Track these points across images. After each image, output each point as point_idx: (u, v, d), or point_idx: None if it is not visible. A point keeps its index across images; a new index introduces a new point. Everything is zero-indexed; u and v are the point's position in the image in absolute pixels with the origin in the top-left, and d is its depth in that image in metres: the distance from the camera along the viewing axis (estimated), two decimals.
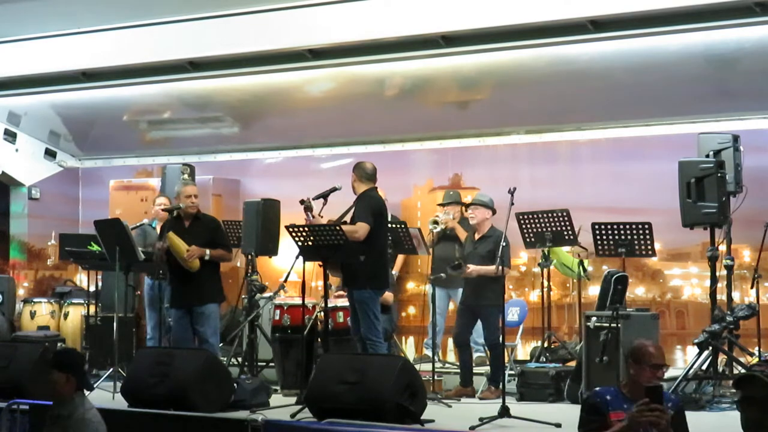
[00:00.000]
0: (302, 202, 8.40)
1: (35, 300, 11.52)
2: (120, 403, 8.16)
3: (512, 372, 9.04)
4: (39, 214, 13.34)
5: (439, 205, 10.47)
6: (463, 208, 10.09)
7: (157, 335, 10.07)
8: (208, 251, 8.76)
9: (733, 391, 7.49)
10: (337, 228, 8.10)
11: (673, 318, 10.45)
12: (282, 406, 8.08)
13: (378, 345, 8.27)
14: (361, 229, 8.24)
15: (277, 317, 9.28)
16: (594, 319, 8.32)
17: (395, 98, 11.22)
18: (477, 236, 9.10)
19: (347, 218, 8.52)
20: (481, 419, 7.17)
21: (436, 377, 8.97)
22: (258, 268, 10.03)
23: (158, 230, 9.72)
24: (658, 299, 10.49)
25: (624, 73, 9.78)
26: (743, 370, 7.94)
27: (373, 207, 8.42)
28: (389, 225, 9.12)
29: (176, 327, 8.97)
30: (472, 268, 8.82)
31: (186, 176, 10.54)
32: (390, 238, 9.08)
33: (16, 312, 11.58)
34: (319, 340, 8.89)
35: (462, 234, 9.77)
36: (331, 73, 11.01)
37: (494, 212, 9.05)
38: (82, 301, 10.93)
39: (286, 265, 8.78)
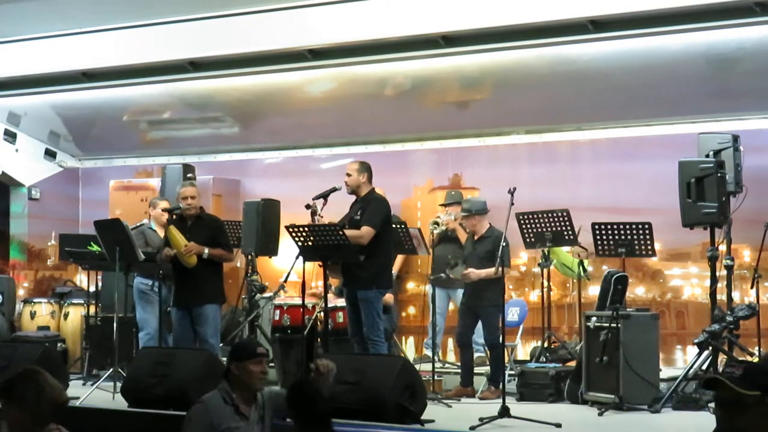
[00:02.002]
0: (308, 206, 8.38)
1: (35, 300, 11.50)
2: (120, 403, 8.16)
3: (512, 372, 9.04)
4: (39, 214, 13.34)
5: (441, 205, 10.48)
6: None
7: (154, 333, 10.00)
8: (206, 249, 8.74)
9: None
10: (338, 229, 8.09)
11: (673, 318, 10.45)
12: None
13: (380, 345, 8.27)
14: (367, 234, 8.24)
15: (277, 317, 9.28)
16: (594, 319, 8.33)
17: (395, 98, 11.21)
18: (476, 237, 9.11)
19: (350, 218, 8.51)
20: (481, 419, 7.17)
21: (436, 377, 8.97)
22: (258, 268, 10.04)
23: (158, 232, 9.71)
24: (658, 299, 10.49)
25: (624, 73, 9.78)
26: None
27: (385, 214, 8.44)
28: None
29: (177, 327, 8.96)
30: (472, 273, 8.82)
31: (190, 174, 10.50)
32: None
33: (16, 312, 11.57)
34: (319, 340, 8.89)
35: (462, 235, 9.77)
36: (332, 73, 11.02)
37: (486, 212, 9.06)
38: (82, 302, 10.92)
39: (286, 265, 8.77)
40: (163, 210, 9.64)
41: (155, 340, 9.87)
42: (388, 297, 9.28)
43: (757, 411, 2.95)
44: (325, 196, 8.46)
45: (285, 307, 9.24)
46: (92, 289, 10.60)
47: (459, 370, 9.21)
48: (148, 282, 9.72)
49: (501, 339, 8.38)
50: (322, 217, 8.46)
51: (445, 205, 10.37)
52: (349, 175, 8.52)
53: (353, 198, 8.61)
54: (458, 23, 9.71)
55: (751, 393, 2.96)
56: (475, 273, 8.81)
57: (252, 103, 11.89)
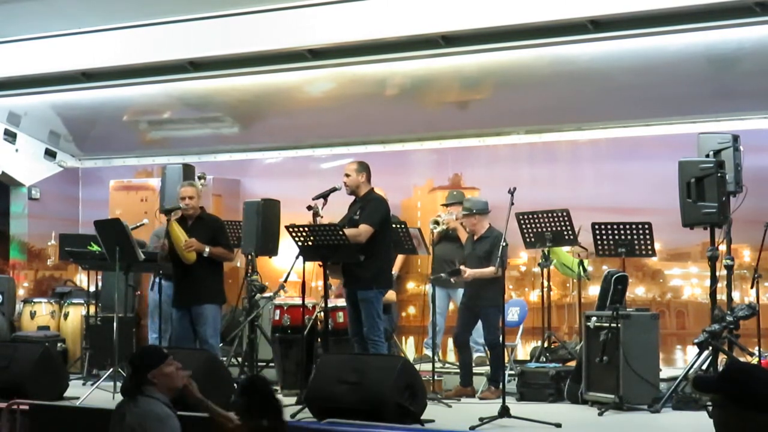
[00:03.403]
0: (310, 208, 8.38)
1: (35, 300, 11.51)
2: None
3: (512, 372, 9.04)
4: (39, 214, 13.33)
5: (442, 205, 10.49)
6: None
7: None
8: (207, 248, 8.75)
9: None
10: (338, 229, 8.09)
11: (673, 318, 10.45)
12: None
13: (380, 345, 8.28)
14: (365, 232, 8.24)
15: (277, 317, 9.28)
16: (594, 319, 8.33)
17: (395, 98, 11.21)
18: (476, 237, 9.11)
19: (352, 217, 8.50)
20: (481, 419, 7.17)
21: (436, 377, 8.97)
22: (258, 268, 10.03)
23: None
24: (658, 299, 10.49)
25: (624, 73, 9.78)
26: None
27: (384, 213, 8.46)
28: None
29: (177, 327, 8.97)
30: (469, 273, 8.82)
31: (203, 179, 10.47)
32: None
33: (16, 312, 11.57)
34: (319, 340, 8.89)
35: (463, 235, 9.76)
36: (331, 73, 11.01)
37: (487, 212, 9.06)
38: (82, 301, 10.92)
39: (286, 265, 8.78)
40: (161, 211, 9.66)
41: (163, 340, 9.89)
42: (390, 294, 9.29)
43: (718, 412, 3.01)
44: (325, 196, 8.46)
45: (285, 307, 9.24)
46: (92, 289, 10.60)
47: (459, 370, 9.21)
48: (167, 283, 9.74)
49: (501, 339, 8.38)
50: (322, 217, 8.46)
51: (446, 205, 10.37)
52: (347, 175, 8.51)
53: (353, 198, 8.61)
54: (458, 23, 9.70)
55: (714, 396, 3.03)
56: (471, 273, 8.81)
57: (252, 103, 11.89)
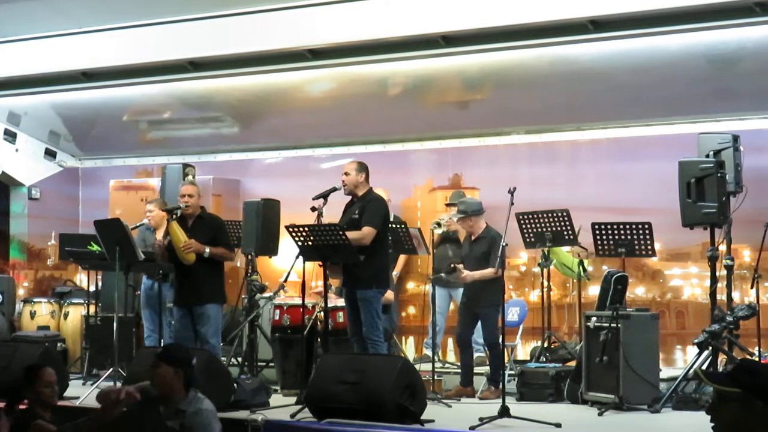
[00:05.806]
0: (314, 209, 8.37)
1: (35, 300, 11.50)
2: None
3: (512, 372, 9.04)
4: (39, 214, 13.34)
5: (446, 204, 10.49)
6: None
7: (155, 334, 10.04)
8: (207, 248, 8.74)
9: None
10: (338, 229, 8.09)
11: (673, 318, 10.45)
12: (282, 406, 8.08)
13: (379, 345, 8.28)
14: (369, 235, 8.25)
15: (277, 317, 9.28)
16: (594, 319, 8.33)
17: (395, 98, 11.21)
18: (473, 238, 9.11)
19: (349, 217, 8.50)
20: (481, 419, 7.17)
21: (436, 377, 8.97)
22: (258, 268, 10.03)
23: (156, 234, 9.75)
24: (658, 299, 10.50)
25: (624, 73, 9.78)
26: None
27: (384, 213, 8.47)
28: (390, 225, 9.11)
29: (178, 326, 8.96)
30: (467, 274, 8.81)
31: (190, 177, 10.49)
32: (390, 238, 9.08)
33: (16, 312, 11.57)
34: (319, 340, 8.89)
35: (464, 235, 9.76)
36: (331, 73, 11.02)
37: (482, 212, 9.06)
38: (82, 301, 10.92)
39: (286, 265, 8.78)
40: (163, 210, 9.65)
41: (153, 339, 9.91)
42: (389, 294, 9.29)
43: (736, 407, 2.99)
44: (324, 196, 8.45)
45: (285, 307, 9.24)
46: (92, 289, 10.60)
47: (459, 370, 9.21)
48: (147, 282, 9.80)
49: (501, 339, 8.38)
50: (323, 217, 8.45)
51: (450, 205, 10.36)
52: (347, 174, 8.51)
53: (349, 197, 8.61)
54: (458, 23, 9.71)
55: (731, 390, 3.00)
56: (470, 275, 8.80)
57: (252, 103, 11.89)
